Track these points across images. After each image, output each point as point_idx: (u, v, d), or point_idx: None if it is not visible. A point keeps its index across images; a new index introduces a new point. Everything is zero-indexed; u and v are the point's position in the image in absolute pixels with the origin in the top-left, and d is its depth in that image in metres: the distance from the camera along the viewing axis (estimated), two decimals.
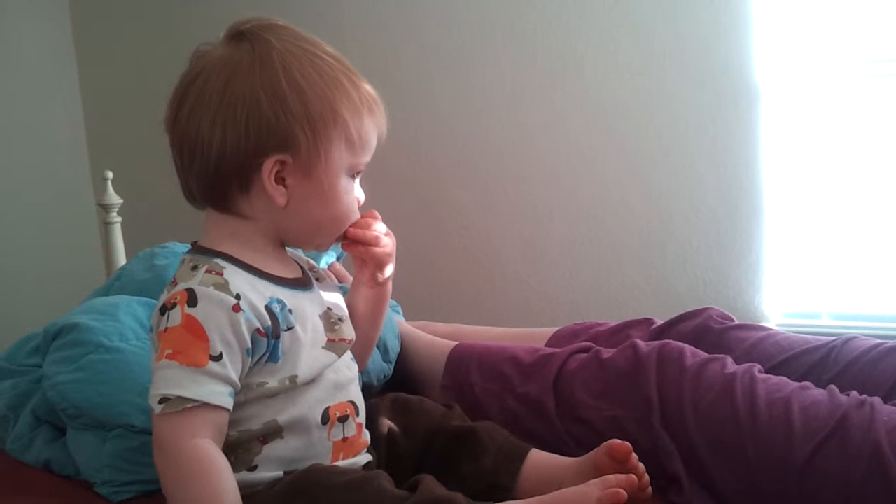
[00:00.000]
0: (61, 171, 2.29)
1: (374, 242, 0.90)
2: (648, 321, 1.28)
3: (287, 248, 0.89)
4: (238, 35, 0.81)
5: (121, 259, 1.73)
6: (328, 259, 1.32)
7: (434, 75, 1.99)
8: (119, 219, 1.76)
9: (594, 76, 1.85)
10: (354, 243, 0.89)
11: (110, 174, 1.73)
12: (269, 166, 0.79)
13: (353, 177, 0.85)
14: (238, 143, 0.78)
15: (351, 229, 0.88)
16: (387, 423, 0.93)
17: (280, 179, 0.80)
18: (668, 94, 1.80)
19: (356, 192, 0.86)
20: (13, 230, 2.12)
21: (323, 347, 0.84)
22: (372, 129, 0.84)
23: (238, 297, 0.77)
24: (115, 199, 1.73)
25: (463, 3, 1.94)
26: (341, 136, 0.81)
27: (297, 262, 0.89)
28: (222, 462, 0.74)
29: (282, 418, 0.80)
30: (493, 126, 1.96)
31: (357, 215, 0.88)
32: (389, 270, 0.94)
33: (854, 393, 0.96)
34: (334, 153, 0.81)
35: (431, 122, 2.01)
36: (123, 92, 2.28)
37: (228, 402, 0.76)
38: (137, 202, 1.93)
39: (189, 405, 0.73)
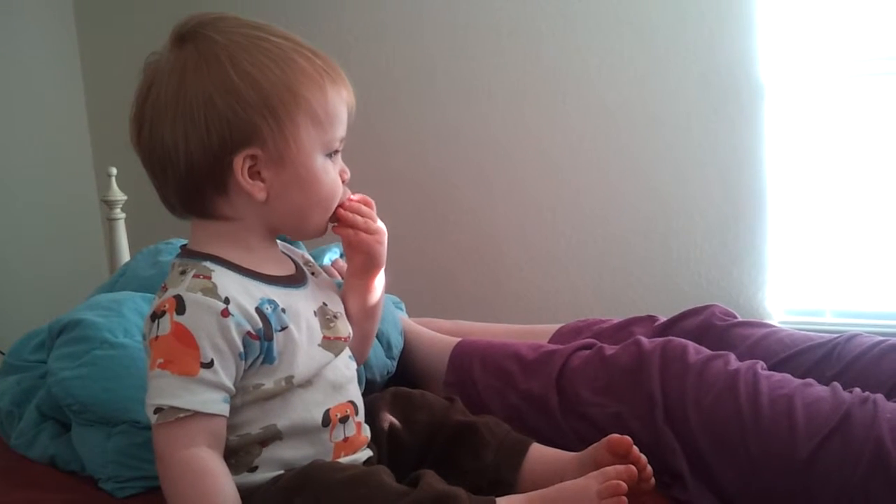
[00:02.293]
0: (65, 167, 2.29)
1: (363, 227, 0.87)
2: (652, 318, 1.28)
3: (280, 242, 0.88)
4: (181, 38, 0.79)
5: (125, 255, 1.73)
6: (332, 255, 1.31)
7: (438, 75, 1.99)
8: (123, 215, 1.75)
9: (598, 73, 1.85)
10: (344, 226, 0.87)
11: (114, 170, 1.72)
12: (239, 164, 0.77)
13: (330, 155, 0.82)
14: (203, 147, 0.76)
15: (340, 209, 0.85)
16: (388, 418, 0.92)
17: (255, 174, 0.78)
18: (672, 91, 1.79)
19: (339, 169, 0.84)
20: (17, 226, 2.12)
21: (319, 345, 0.83)
22: (337, 101, 0.81)
23: (227, 300, 0.76)
24: (118, 195, 1.73)
25: (466, 1, 1.94)
26: (306, 117, 0.79)
27: (290, 256, 0.88)
28: (219, 469, 0.74)
29: (281, 423, 0.79)
30: (496, 124, 1.95)
31: (343, 192, 0.85)
32: (380, 262, 0.91)
33: (857, 390, 0.96)
34: (303, 135, 0.79)
35: (435, 121, 2.01)
36: (127, 88, 2.26)
37: (223, 409, 0.75)
38: (141, 198, 1.92)
39: (182, 415, 0.73)
